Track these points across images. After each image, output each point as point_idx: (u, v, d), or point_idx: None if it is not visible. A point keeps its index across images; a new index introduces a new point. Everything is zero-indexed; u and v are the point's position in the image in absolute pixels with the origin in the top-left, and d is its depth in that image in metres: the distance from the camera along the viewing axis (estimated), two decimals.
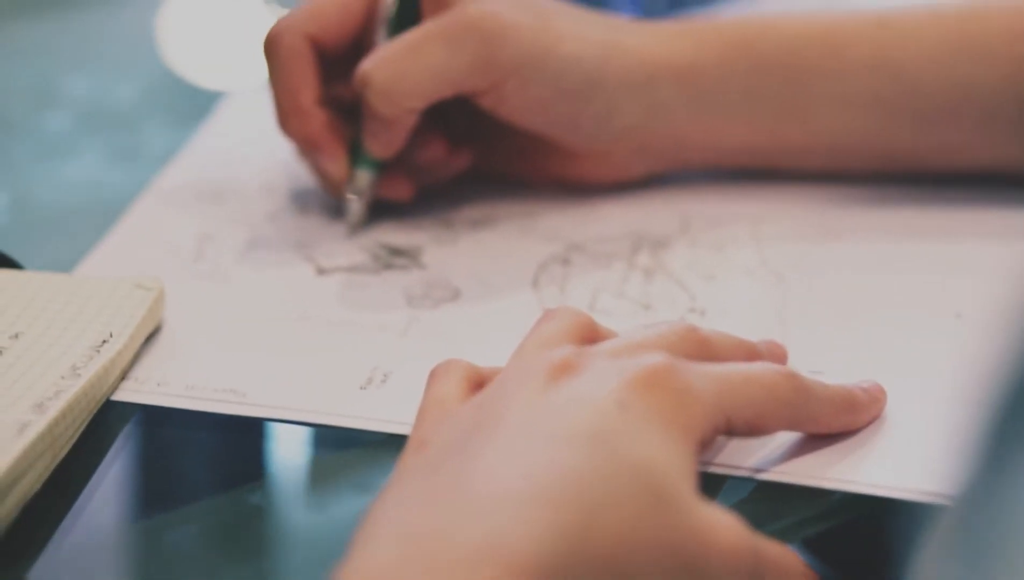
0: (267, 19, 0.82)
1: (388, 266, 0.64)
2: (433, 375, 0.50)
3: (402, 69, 0.62)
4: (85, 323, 0.57)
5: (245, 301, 0.62)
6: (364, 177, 0.66)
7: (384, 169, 0.66)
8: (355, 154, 0.65)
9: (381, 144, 0.64)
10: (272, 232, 0.67)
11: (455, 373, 0.50)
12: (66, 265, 0.64)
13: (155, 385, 0.56)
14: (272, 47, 0.65)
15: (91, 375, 0.54)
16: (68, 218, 0.71)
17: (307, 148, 0.66)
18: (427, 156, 0.67)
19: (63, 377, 0.54)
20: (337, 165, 0.65)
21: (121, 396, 0.56)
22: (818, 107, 0.66)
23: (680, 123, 0.66)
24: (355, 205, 0.66)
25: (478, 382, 0.50)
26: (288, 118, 0.65)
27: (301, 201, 0.69)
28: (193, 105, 0.82)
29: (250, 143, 0.74)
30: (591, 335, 0.50)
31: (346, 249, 0.65)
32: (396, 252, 0.65)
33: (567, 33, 0.64)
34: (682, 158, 0.68)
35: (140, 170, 0.73)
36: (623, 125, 0.66)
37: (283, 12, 0.66)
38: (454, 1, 0.63)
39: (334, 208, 0.68)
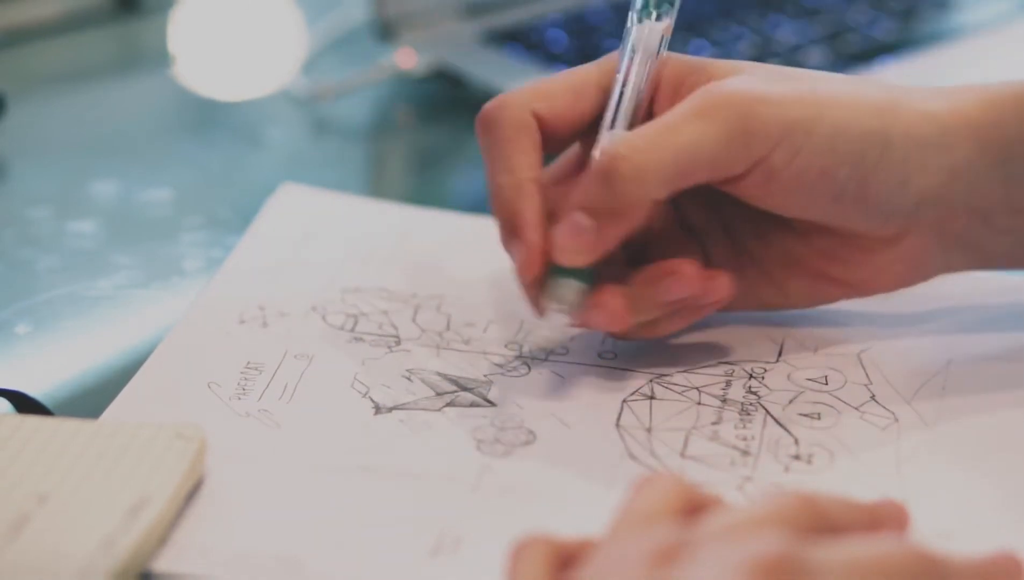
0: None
1: (451, 403, 0.58)
2: (513, 557, 0.45)
3: (659, 145, 0.53)
4: (119, 482, 0.52)
5: (296, 447, 0.55)
6: (569, 289, 0.56)
7: (594, 281, 0.56)
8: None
9: (585, 245, 0.54)
10: (324, 361, 0.60)
11: (537, 555, 0.45)
12: (96, 402, 0.58)
13: (197, 552, 0.51)
14: (492, 120, 0.57)
15: (127, 549, 0.49)
16: (97, 345, 0.64)
17: (510, 231, 0.56)
18: (675, 288, 0.56)
19: (95, 551, 0.49)
20: (533, 259, 0.56)
21: (159, 566, 0.50)
22: None
23: (987, 194, 0.55)
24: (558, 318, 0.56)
25: (564, 560, 0.45)
26: (502, 192, 0.56)
27: (354, 323, 0.63)
28: (235, 208, 0.75)
29: (298, 253, 0.68)
30: (693, 506, 0.45)
31: (405, 382, 0.59)
32: (460, 385, 0.59)
33: (836, 96, 0.55)
34: (985, 248, 0.57)
35: (177, 287, 0.67)
36: (921, 191, 0.55)
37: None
38: (695, 83, 0.56)
39: (391, 333, 0.62)
